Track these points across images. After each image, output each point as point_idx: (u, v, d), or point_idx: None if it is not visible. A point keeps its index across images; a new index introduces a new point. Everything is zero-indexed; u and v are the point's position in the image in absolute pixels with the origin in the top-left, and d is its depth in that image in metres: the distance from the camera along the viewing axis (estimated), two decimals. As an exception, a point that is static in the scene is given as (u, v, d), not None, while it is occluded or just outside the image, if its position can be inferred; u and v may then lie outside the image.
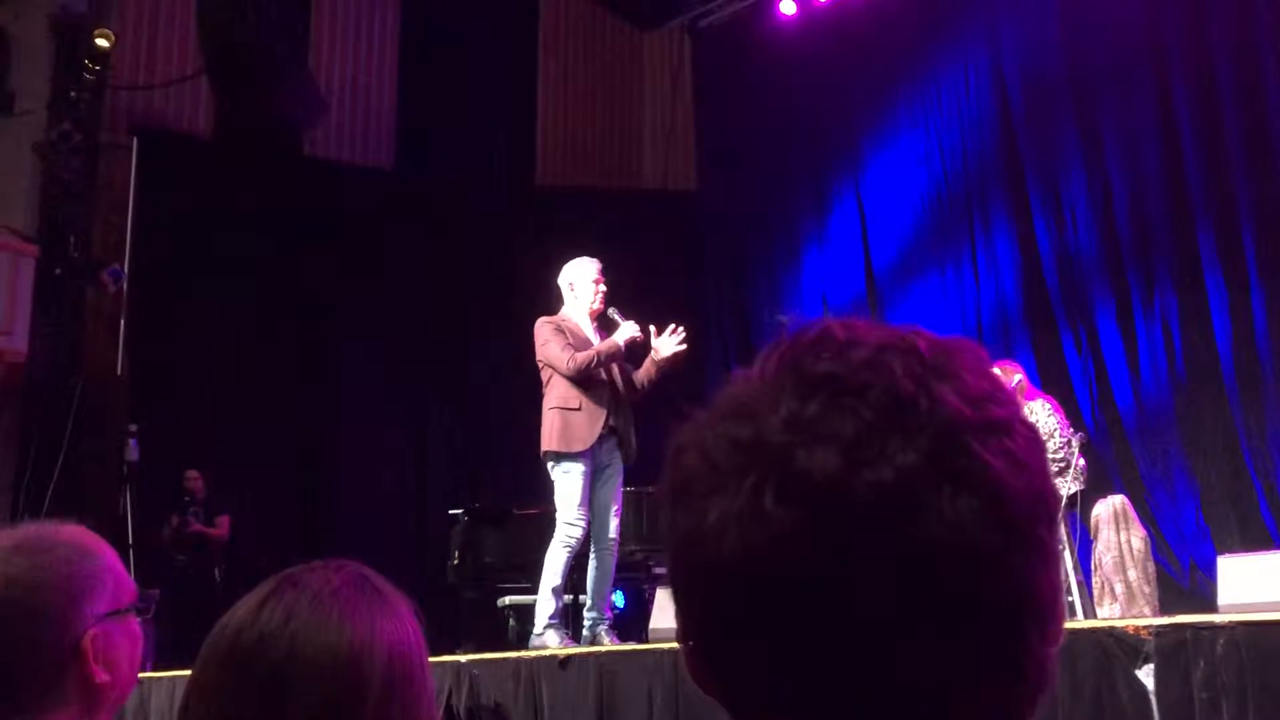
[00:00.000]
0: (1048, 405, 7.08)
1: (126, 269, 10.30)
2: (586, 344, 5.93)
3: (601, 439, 5.86)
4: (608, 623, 5.91)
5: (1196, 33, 9.11)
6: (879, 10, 10.86)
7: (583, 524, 5.81)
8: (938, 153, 10.67)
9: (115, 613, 1.45)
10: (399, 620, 1.08)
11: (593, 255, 6.22)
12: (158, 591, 7.03)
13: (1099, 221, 9.51)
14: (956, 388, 0.66)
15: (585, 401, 5.86)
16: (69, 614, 1.41)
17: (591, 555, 5.95)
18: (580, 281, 6.08)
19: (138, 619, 1.50)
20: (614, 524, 5.91)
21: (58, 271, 9.97)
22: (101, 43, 10.06)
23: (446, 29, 11.88)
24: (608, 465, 5.91)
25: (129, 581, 1.49)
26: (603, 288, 6.04)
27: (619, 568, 6.27)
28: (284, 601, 1.05)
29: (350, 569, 1.11)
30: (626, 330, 5.95)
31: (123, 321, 10.35)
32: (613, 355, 5.92)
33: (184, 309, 10.59)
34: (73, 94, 10.11)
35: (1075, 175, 9.68)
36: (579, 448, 5.81)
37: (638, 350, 6.06)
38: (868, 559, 0.63)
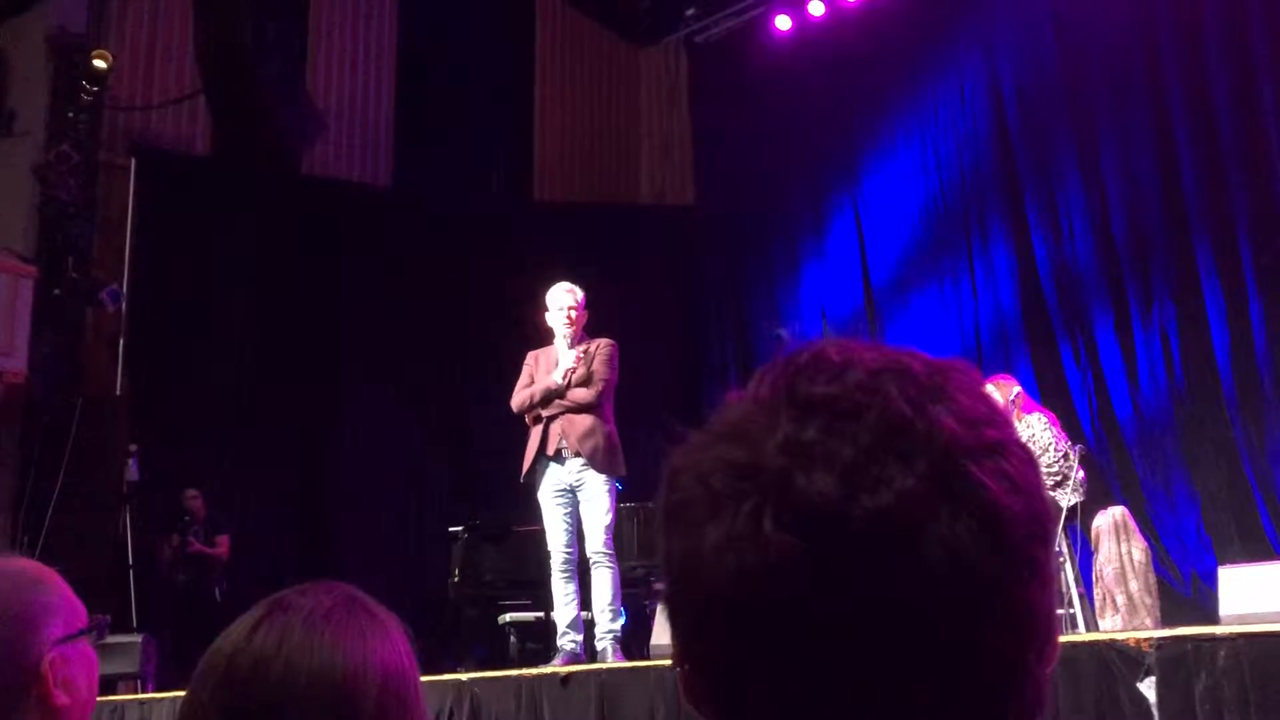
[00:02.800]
0: (1044, 419, 7.09)
1: (125, 289, 10.30)
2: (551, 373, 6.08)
3: (557, 461, 5.98)
4: (612, 637, 5.88)
5: (1192, 45, 9.13)
6: (874, 24, 10.90)
7: (559, 549, 5.99)
8: (935, 166, 10.69)
9: (70, 637, 1.47)
10: (391, 641, 1.08)
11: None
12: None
13: (1096, 233, 9.52)
14: (952, 410, 0.67)
15: (534, 430, 6.07)
16: (26, 640, 1.43)
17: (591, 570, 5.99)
18: (551, 310, 6.17)
19: (90, 642, 1.52)
20: (603, 537, 5.90)
21: (56, 292, 9.96)
22: (99, 63, 10.08)
23: (443, 46, 11.92)
24: (579, 485, 5.96)
25: (80, 607, 1.52)
26: (567, 315, 6.07)
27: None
28: (276, 626, 1.05)
29: (340, 590, 1.11)
30: (564, 364, 6.03)
31: (122, 341, 10.35)
32: (549, 395, 6.01)
33: (183, 328, 10.59)
34: (71, 115, 10.12)
35: (1072, 187, 9.70)
36: (524, 478, 6.07)
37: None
38: (866, 583, 0.63)
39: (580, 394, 5.99)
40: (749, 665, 0.66)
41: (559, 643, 6.03)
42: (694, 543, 0.67)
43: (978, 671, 0.65)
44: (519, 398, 6.09)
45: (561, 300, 6.12)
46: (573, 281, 6.27)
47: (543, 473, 6.01)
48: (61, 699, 1.44)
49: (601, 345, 6.10)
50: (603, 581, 5.92)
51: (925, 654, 0.64)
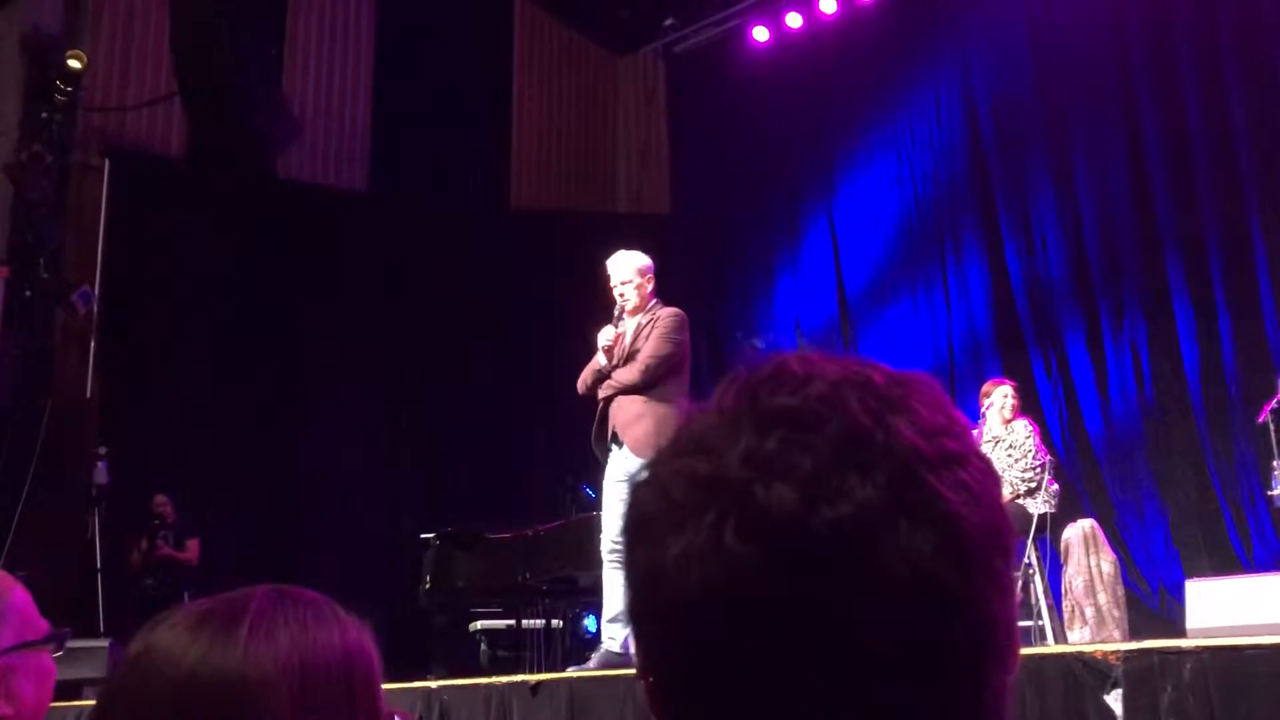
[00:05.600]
0: (1029, 427, 7.15)
1: (97, 291, 10.23)
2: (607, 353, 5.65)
3: (618, 445, 5.53)
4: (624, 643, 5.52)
5: (1165, 62, 9.23)
6: (851, 36, 10.96)
7: (613, 540, 5.45)
8: (909, 178, 10.75)
9: (17, 647, 1.45)
10: (314, 637, 1.05)
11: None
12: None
13: (1069, 248, 9.60)
14: (912, 421, 0.67)
15: (598, 414, 5.66)
16: None
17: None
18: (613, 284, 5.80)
19: (49, 654, 1.49)
20: None
21: (27, 293, 9.88)
22: (74, 64, 10.02)
23: (421, 51, 11.89)
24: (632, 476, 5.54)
25: (37, 619, 1.49)
26: (618, 291, 5.66)
27: (590, 591, 6.17)
28: (188, 626, 1.04)
29: (270, 590, 1.09)
30: (601, 343, 5.60)
31: (92, 343, 10.26)
32: (599, 376, 5.59)
33: (154, 331, 10.52)
34: (44, 115, 10.04)
35: (1045, 201, 9.77)
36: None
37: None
38: (827, 594, 0.63)
39: (622, 374, 5.50)
40: (711, 676, 0.66)
41: (607, 640, 5.59)
42: (657, 555, 0.67)
43: (939, 681, 0.66)
44: (581, 378, 5.67)
45: (609, 274, 5.71)
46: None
47: (606, 458, 5.58)
48: (3, 709, 1.42)
49: (660, 318, 5.59)
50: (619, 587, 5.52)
51: (886, 664, 0.64)
